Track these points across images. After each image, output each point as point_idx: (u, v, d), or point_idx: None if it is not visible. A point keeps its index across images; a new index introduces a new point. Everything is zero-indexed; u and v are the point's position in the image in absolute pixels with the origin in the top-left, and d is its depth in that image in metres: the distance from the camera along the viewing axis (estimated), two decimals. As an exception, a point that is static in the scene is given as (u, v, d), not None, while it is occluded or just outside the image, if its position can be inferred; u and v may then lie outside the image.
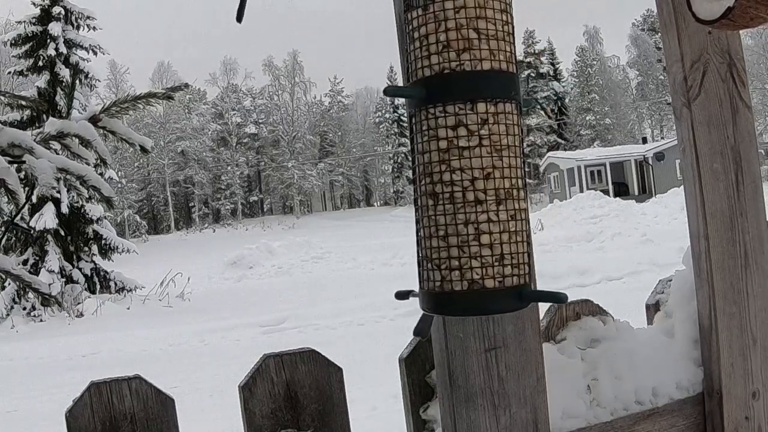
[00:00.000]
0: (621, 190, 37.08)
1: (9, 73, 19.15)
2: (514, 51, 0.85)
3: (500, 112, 0.82)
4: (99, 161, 2.15)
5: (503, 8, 0.83)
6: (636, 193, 37.24)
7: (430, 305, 0.86)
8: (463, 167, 0.81)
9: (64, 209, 15.46)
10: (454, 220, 0.82)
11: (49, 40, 17.62)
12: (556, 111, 55.46)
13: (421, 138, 0.85)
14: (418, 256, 0.87)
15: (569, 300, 1.35)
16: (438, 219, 0.83)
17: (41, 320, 14.53)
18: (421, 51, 0.84)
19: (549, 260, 13.17)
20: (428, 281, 0.85)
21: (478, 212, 0.81)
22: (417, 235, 0.87)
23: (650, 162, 37.80)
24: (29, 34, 17.71)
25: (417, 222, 0.87)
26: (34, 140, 1.88)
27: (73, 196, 15.84)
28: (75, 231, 16.26)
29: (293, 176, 56.89)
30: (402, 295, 0.94)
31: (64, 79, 17.03)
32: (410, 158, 0.89)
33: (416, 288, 0.92)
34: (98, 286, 16.44)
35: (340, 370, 1.21)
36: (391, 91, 0.84)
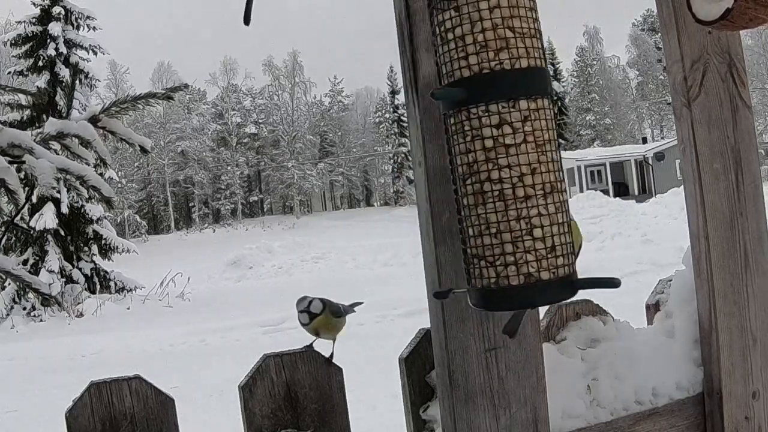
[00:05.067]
0: (621, 190, 37.07)
1: (9, 73, 19.15)
2: (544, 47, 0.87)
3: (540, 108, 0.84)
4: (99, 161, 2.15)
5: (532, 6, 0.85)
6: (636, 193, 37.23)
7: (484, 302, 0.87)
8: (510, 164, 0.83)
9: (64, 209, 15.47)
10: (506, 217, 0.83)
11: (49, 40, 17.63)
12: (556, 111, 55.30)
13: (462, 138, 0.85)
14: (465, 254, 0.88)
15: (569, 300, 1.35)
16: (489, 217, 0.84)
17: (41, 320, 14.53)
18: (458, 52, 0.84)
19: (549, 260, 13.13)
20: (480, 278, 0.86)
21: (528, 207, 0.83)
22: (461, 234, 0.88)
23: (650, 162, 37.81)
24: (29, 34, 17.71)
25: (460, 222, 0.88)
26: (34, 140, 1.88)
27: (73, 196, 15.84)
28: (75, 231, 16.26)
29: (293, 176, 56.85)
30: (442, 295, 0.95)
31: (64, 79, 17.04)
32: (450, 160, 0.90)
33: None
34: (98, 286, 16.45)
35: (340, 370, 1.22)
36: (439, 95, 0.85)
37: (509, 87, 0.83)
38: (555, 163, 0.85)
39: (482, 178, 0.84)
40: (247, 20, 0.96)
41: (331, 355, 1.22)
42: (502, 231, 0.83)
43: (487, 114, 0.83)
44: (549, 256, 0.83)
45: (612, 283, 0.84)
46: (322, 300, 1.23)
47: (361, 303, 1.37)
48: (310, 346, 1.21)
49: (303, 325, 1.22)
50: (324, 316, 1.21)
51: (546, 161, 0.84)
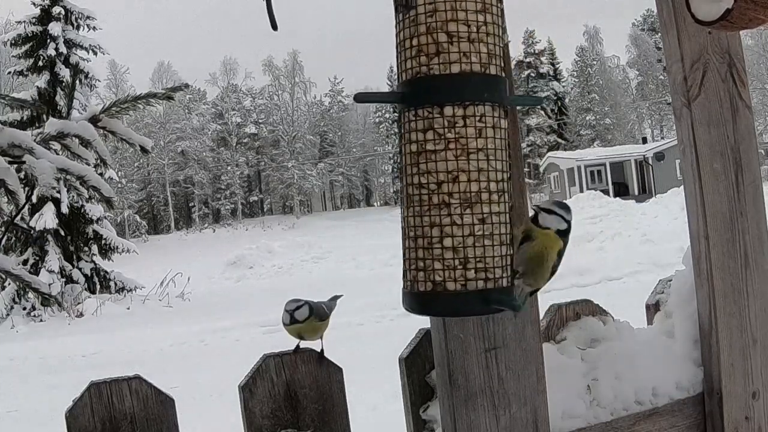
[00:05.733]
0: (621, 190, 37.05)
1: (9, 73, 19.16)
2: (497, 50, 0.83)
3: (470, 115, 0.81)
4: (99, 161, 2.15)
5: (481, 8, 0.82)
6: (636, 193, 37.21)
7: (405, 303, 0.87)
8: (430, 170, 0.81)
9: (64, 209, 15.46)
10: (421, 223, 0.82)
11: (49, 40, 17.62)
12: (556, 111, 55.39)
13: (400, 141, 0.86)
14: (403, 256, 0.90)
15: (569, 300, 1.36)
16: (409, 221, 0.84)
17: (41, 320, 14.53)
18: (400, 56, 0.85)
19: (549, 260, 13.15)
20: (404, 280, 0.87)
21: (442, 215, 0.81)
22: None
23: (650, 162, 37.80)
24: (29, 34, 17.70)
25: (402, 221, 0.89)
26: (34, 140, 1.88)
27: (73, 196, 15.84)
28: (75, 231, 16.26)
29: (293, 176, 56.85)
30: None
31: (64, 79, 17.02)
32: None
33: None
34: (98, 286, 16.45)
35: (340, 370, 1.22)
36: (360, 97, 0.85)
37: (436, 92, 0.81)
38: (484, 173, 0.81)
39: (408, 182, 0.84)
40: (274, 26, 0.95)
41: (322, 351, 1.22)
42: (417, 236, 0.83)
43: (415, 118, 0.82)
44: (459, 267, 0.81)
45: (513, 306, 0.84)
46: (311, 307, 1.22)
47: (340, 296, 1.37)
48: (297, 347, 1.21)
49: (284, 325, 1.22)
50: (306, 323, 1.21)
51: (470, 170, 0.81)
